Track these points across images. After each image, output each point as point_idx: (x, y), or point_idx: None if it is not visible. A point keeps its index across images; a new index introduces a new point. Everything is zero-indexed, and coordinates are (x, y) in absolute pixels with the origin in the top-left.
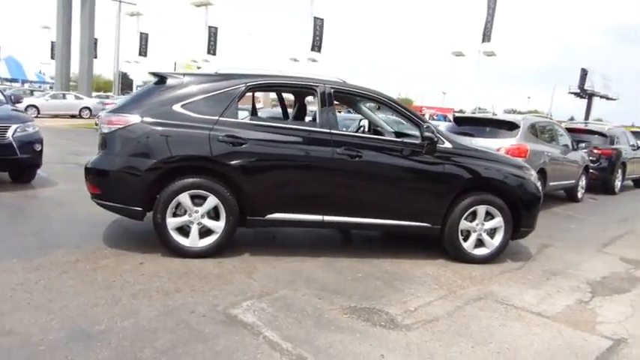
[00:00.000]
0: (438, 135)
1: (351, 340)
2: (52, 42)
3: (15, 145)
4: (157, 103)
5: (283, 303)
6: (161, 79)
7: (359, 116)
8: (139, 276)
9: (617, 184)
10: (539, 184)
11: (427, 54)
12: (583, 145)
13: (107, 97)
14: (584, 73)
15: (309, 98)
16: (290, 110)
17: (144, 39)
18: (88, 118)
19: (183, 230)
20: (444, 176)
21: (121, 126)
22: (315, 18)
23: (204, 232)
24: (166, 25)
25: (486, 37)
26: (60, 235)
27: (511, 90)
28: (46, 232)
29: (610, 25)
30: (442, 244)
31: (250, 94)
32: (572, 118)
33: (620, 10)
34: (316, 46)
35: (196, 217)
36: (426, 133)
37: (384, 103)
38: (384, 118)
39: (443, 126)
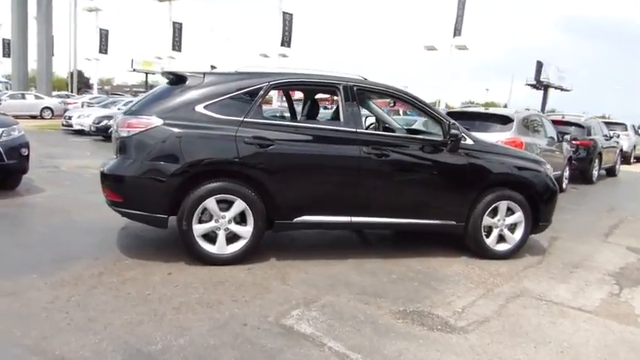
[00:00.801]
0: (462, 132)
1: (417, 346)
2: (3, 39)
3: (1, 151)
4: (178, 105)
5: (332, 310)
6: (180, 78)
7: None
8: (173, 287)
9: (595, 173)
10: (554, 178)
11: (399, 48)
12: (568, 137)
13: (67, 96)
14: (539, 66)
15: (320, 96)
16: (298, 109)
17: (104, 35)
18: (50, 118)
19: (209, 237)
20: (468, 173)
21: (141, 129)
22: (284, 13)
23: (230, 238)
24: (127, 20)
25: (457, 31)
26: (70, 246)
27: (469, 82)
28: (53, 242)
29: (562, 18)
30: (465, 241)
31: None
32: (527, 109)
33: (571, 4)
34: (286, 41)
35: (223, 222)
36: (453, 131)
37: (405, 100)
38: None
39: (420, 121)
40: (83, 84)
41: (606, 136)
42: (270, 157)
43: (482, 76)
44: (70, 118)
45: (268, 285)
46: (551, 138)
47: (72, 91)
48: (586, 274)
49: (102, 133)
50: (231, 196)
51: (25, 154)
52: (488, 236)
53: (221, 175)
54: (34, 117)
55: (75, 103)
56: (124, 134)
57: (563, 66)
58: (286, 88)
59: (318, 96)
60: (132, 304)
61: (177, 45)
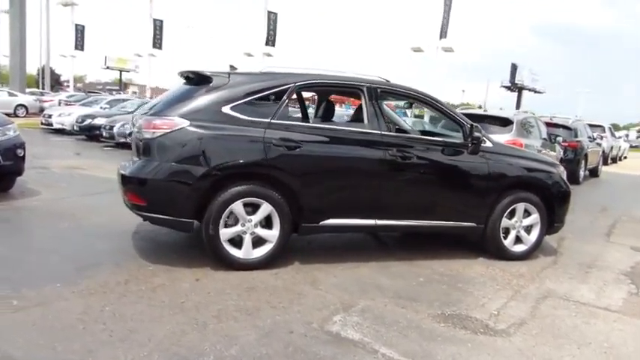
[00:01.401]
0: (483, 135)
1: (467, 350)
2: None
3: None
4: (204, 106)
5: (372, 315)
6: (203, 78)
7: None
8: (206, 294)
9: (582, 174)
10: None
11: (385, 48)
12: (560, 138)
13: (42, 93)
14: (514, 68)
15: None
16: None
17: (80, 31)
18: (25, 116)
19: (234, 241)
20: (489, 175)
21: (167, 130)
22: (269, 12)
23: (255, 242)
24: (101, 16)
25: (443, 33)
26: (86, 252)
27: (446, 83)
28: (67, 248)
29: (537, 24)
30: (483, 243)
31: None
32: (501, 109)
33: (545, 9)
34: (270, 40)
35: (249, 226)
36: (476, 133)
37: (427, 102)
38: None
39: (409, 122)
40: (54, 81)
41: (590, 137)
42: (298, 159)
43: (459, 77)
44: (49, 116)
45: (300, 290)
46: (545, 140)
47: (43, 88)
48: (601, 274)
49: (85, 132)
50: (258, 200)
51: (21, 155)
52: (505, 238)
53: (248, 178)
54: (7, 115)
55: (51, 100)
56: (148, 136)
57: (537, 69)
58: (311, 89)
59: (333, 97)
60: (169, 312)
61: (157, 42)
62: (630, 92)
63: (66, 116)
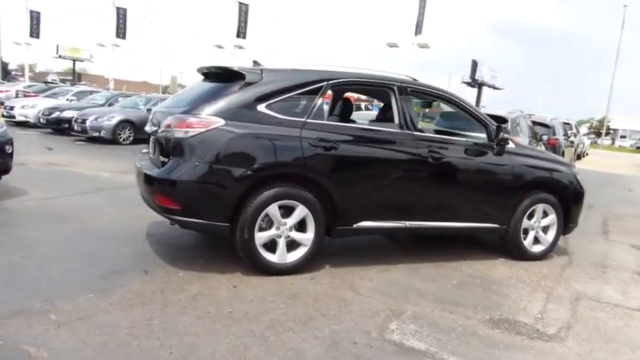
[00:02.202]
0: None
1: (533, 357)
2: None
3: None
4: (239, 104)
5: (426, 322)
6: (232, 75)
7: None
8: (250, 303)
9: None
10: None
11: (360, 43)
12: (545, 136)
13: None
14: (474, 65)
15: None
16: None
17: (35, 18)
18: None
19: (267, 245)
20: (513, 176)
21: (202, 130)
22: (240, 3)
23: (289, 246)
24: (63, 3)
25: (419, 29)
26: (105, 258)
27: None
28: (83, 254)
29: (495, 22)
30: (504, 243)
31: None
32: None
33: (502, 8)
34: (242, 32)
35: (284, 229)
36: (504, 135)
37: (453, 102)
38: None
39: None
40: (3, 70)
41: (565, 135)
42: (334, 160)
43: (422, 73)
44: (11, 108)
45: (343, 296)
46: (531, 137)
47: None
48: (617, 274)
49: (53, 125)
50: (294, 202)
51: (9, 151)
52: (525, 238)
53: (284, 180)
54: None
55: (7, 91)
56: (180, 135)
57: (496, 66)
58: (343, 88)
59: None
60: (221, 324)
61: (121, 32)
62: (579, 90)
63: (30, 108)
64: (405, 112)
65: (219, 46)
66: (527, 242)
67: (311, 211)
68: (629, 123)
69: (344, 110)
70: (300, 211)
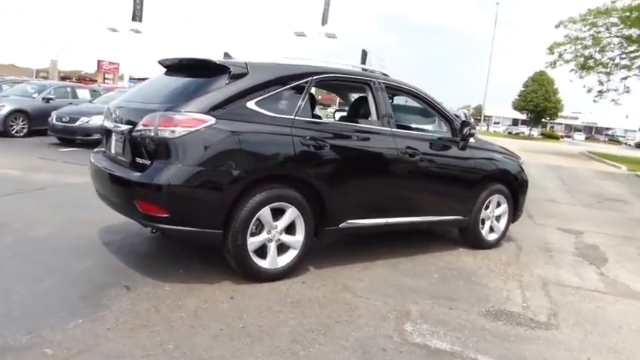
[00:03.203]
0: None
1: (545, 347)
2: None
3: None
4: (228, 100)
5: (434, 320)
6: (218, 68)
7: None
8: (257, 315)
9: None
10: None
11: (269, 32)
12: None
13: None
14: (364, 54)
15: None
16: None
17: None
18: None
19: (257, 250)
20: (475, 170)
21: (191, 129)
22: None
23: (278, 250)
24: None
25: (325, 19)
26: (72, 274)
27: None
28: (45, 271)
29: (380, 14)
30: (465, 234)
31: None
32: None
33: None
34: (137, 15)
35: (275, 233)
36: (472, 130)
37: (421, 98)
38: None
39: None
40: None
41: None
42: (323, 158)
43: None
44: None
45: (344, 299)
46: None
47: None
48: (562, 256)
49: None
50: (285, 204)
51: None
52: (482, 228)
53: (275, 181)
54: None
55: None
56: (166, 134)
57: (384, 55)
58: (326, 84)
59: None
60: (242, 342)
61: None
62: (456, 79)
63: None
64: (383, 108)
65: (113, 29)
66: (484, 232)
67: (301, 213)
68: (501, 110)
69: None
70: (291, 213)
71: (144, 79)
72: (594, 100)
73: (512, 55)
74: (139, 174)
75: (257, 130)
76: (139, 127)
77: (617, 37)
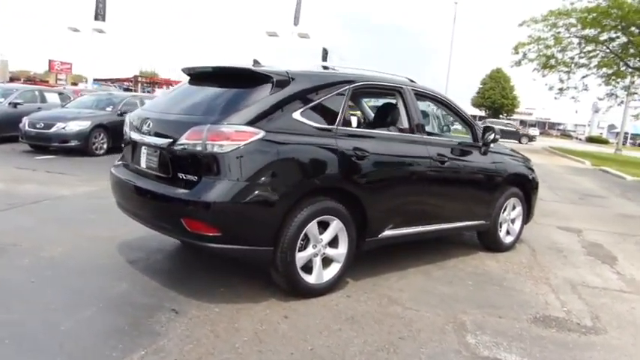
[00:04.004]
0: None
1: (605, 353)
2: None
3: None
4: (273, 111)
5: (491, 330)
6: (258, 77)
7: None
8: (320, 335)
9: None
10: None
11: (240, 32)
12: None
13: None
14: (325, 53)
15: None
16: None
17: None
18: None
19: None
20: (496, 174)
21: (243, 142)
22: None
23: (323, 264)
24: None
25: (296, 19)
26: (112, 299)
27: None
28: (83, 297)
29: (342, 14)
30: (485, 237)
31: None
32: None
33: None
34: (100, 14)
35: (320, 247)
36: (492, 136)
37: (444, 103)
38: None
39: None
40: None
41: None
42: (366, 169)
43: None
44: None
45: (395, 312)
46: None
47: None
48: (574, 257)
49: None
50: (330, 217)
51: None
52: (500, 231)
53: (321, 194)
54: None
55: None
56: (215, 149)
57: (345, 55)
58: (361, 92)
59: None
60: None
61: None
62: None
63: None
64: (415, 115)
65: (75, 29)
66: (502, 235)
67: (345, 225)
68: (460, 105)
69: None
70: (335, 226)
71: (109, 80)
72: (555, 98)
73: (472, 54)
74: (185, 191)
75: (304, 142)
76: (182, 141)
77: (577, 37)
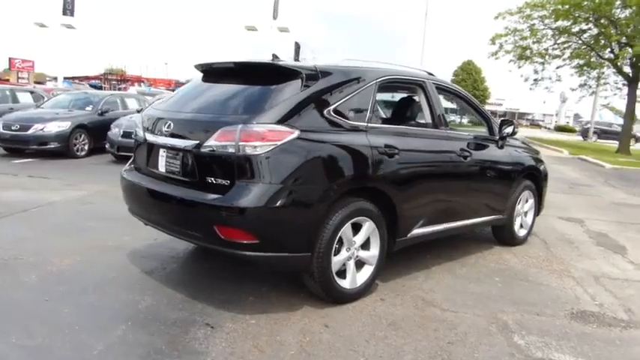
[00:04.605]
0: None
1: None
2: None
3: None
4: (306, 108)
5: (535, 329)
6: (285, 73)
7: None
8: (367, 343)
9: None
10: None
11: (217, 26)
12: None
13: None
14: (297, 47)
15: None
16: None
17: None
18: None
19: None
20: (512, 167)
21: (279, 142)
22: None
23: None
24: None
25: (275, 13)
26: (139, 316)
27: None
28: (107, 315)
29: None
30: (500, 232)
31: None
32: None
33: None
34: (68, 9)
35: (353, 250)
36: (508, 129)
37: (462, 97)
38: None
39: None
40: None
41: None
42: (397, 167)
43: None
44: None
45: (434, 315)
46: None
47: None
48: (586, 248)
49: None
50: (363, 218)
51: None
52: (514, 225)
53: (355, 194)
54: None
55: None
56: (249, 151)
57: (316, 48)
58: (386, 86)
59: None
60: None
61: None
62: None
63: None
64: (437, 110)
65: (42, 25)
66: (516, 228)
67: (377, 226)
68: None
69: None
70: (368, 228)
71: (77, 78)
72: (530, 89)
73: (444, 46)
74: (217, 196)
75: (338, 141)
76: (211, 142)
77: (551, 29)
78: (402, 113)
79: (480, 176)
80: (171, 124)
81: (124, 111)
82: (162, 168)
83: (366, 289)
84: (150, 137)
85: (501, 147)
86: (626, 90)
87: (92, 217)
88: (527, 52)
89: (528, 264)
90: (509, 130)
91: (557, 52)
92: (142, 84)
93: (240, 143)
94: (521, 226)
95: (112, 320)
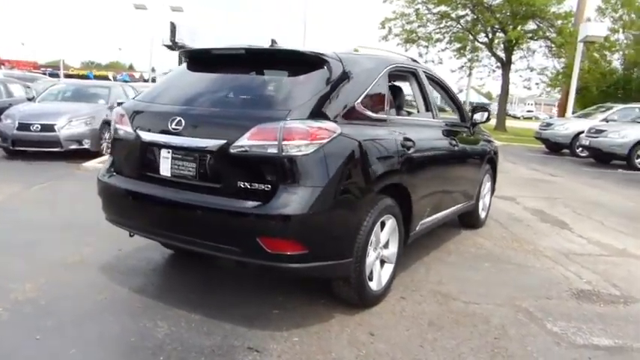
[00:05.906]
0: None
1: None
2: None
3: None
4: (340, 101)
5: (558, 314)
6: (311, 61)
7: None
8: (420, 348)
9: None
10: None
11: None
12: None
13: None
14: (173, 27)
15: None
16: None
17: None
18: None
19: None
20: (481, 153)
21: (325, 140)
22: None
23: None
24: None
25: None
26: (163, 345)
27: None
28: (140, 343)
29: None
30: (467, 217)
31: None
32: (153, 69)
33: None
34: None
35: (379, 250)
36: (489, 115)
37: (438, 83)
38: None
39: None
40: None
41: None
42: (414, 159)
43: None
44: None
45: (461, 310)
46: None
47: None
48: (534, 225)
49: None
50: (388, 215)
51: None
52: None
53: (383, 191)
54: None
55: None
56: (293, 152)
57: (197, 28)
58: (392, 75)
59: None
60: None
61: None
62: None
63: None
64: (431, 98)
65: None
66: (481, 211)
67: (397, 223)
68: None
69: None
70: (391, 225)
71: None
72: None
73: (335, 30)
74: (257, 203)
75: (369, 135)
76: (244, 142)
77: (433, 13)
78: (403, 103)
79: (463, 163)
80: (182, 121)
81: (8, 99)
82: (165, 172)
83: (388, 288)
84: (146, 136)
85: (473, 134)
86: (499, 72)
87: (27, 228)
88: (414, 36)
89: (502, 246)
90: (480, 116)
91: (438, 35)
92: (2, 66)
93: (284, 143)
94: (482, 208)
95: (139, 356)
